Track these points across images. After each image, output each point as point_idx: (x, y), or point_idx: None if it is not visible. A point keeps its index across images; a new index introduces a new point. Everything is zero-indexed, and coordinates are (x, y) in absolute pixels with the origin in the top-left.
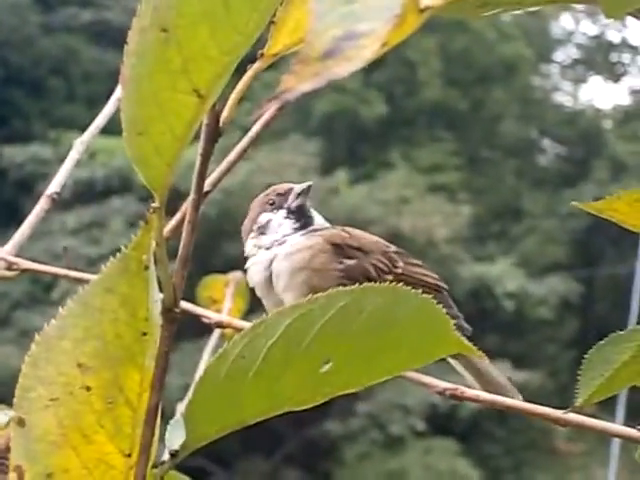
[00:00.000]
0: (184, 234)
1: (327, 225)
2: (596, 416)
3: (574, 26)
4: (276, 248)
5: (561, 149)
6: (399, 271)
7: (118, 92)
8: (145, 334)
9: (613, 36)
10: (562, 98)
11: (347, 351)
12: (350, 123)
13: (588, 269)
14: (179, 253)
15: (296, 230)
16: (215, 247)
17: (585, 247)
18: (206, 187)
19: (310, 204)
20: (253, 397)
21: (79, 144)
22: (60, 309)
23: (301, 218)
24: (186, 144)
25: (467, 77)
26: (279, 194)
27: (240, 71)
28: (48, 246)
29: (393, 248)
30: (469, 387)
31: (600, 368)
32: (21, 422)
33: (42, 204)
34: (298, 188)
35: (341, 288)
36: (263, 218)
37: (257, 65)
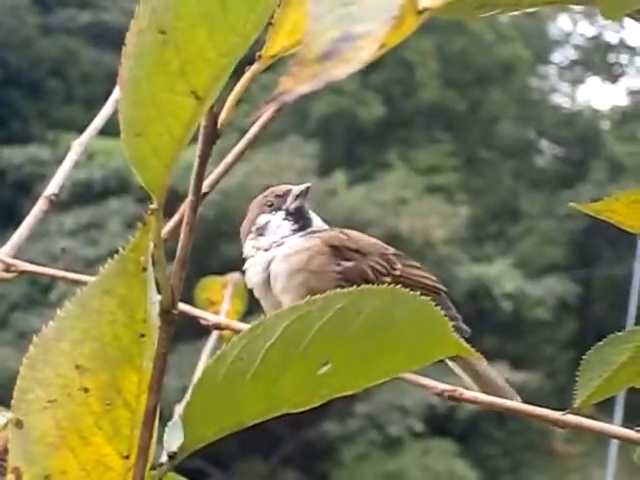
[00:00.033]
0: (182, 235)
1: (325, 227)
2: (594, 417)
3: (572, 27)
4: (274, 249)
5: (559, 150)
6: (397, 273)
7: (116, 93)
8: (143, 336)
9: (611, 37)
10: (560, 99)
11: (345, 353)
12: (348, 124)
13: (586, 270)
14: (177, 254)
15: (294, 232)
16: (213, 249)
17: (583, 248)
18: (204, 189)
19: (308, 205)
20: (251, 399)
21: (77, 145)
22: (58, 311)
23: (299, 220)
24: (184, 146)
25: (465, 78)
26: (277, 196)
27: (238, 73)
28: (46, 247)
29: (391, 250)
30: (467, 389)
31: (598, 369)
32: (19, 424)
33: (40, 205)
34: (296, 190)
35: (339, 290)
36: (261, 219)
37: (255, 67)
